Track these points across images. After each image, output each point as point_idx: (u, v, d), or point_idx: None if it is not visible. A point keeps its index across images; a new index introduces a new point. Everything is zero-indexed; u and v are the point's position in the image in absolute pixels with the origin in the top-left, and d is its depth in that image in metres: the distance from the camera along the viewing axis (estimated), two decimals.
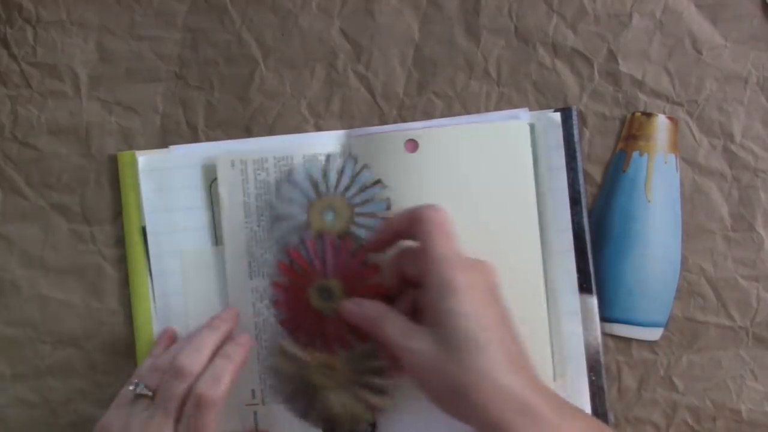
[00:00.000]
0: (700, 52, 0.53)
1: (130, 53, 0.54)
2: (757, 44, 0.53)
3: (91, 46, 0.54)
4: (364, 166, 0.51)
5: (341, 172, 0.51)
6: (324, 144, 0.52)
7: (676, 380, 0.52)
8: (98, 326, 0.53)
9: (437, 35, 0.54)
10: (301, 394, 0.51)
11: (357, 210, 0.51)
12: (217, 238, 0.53)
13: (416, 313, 0.47)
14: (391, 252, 0.50)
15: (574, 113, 0.53)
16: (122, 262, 0.53)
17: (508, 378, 0.43)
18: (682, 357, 0.53)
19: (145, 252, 0.53)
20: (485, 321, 0.44)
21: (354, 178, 0.51)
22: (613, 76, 0.53)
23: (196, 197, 0.53)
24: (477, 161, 0.49)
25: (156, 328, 0.53)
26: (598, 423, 0.46)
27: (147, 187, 0.53)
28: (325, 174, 0.52)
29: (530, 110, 0.53)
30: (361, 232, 0.51)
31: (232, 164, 0.52)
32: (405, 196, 0.51)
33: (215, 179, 0.52)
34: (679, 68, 0.53)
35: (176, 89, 0.54)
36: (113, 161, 0.54)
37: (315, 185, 0.52)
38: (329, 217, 0.51)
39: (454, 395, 0.44)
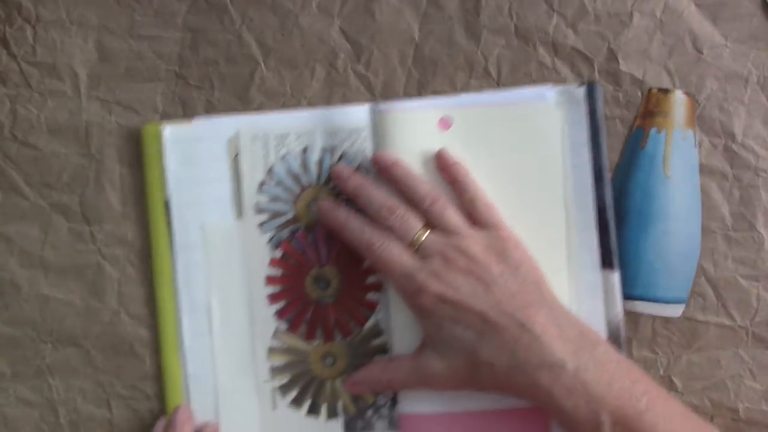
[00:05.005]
0: (700, 52, 0.53)
1: (129, 53, 0.54)
2: (757, 43, 0.53)
3: (91, 46, 0.54)
4: (342, 155, 0.52)
5: (320, 164, 0.52)
6: (348, 119, 0.52)
7: (675, 379, 0.53)
8: (98, 326, 0.53)
9: (437, 35, 0.54)
10: (304, 385, 0.52)
11: (341, 198, 0.52)
12: (240, 211, 0.53)
13: None
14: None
15: (599, 88, 0.52)
16: (122, 261, 0.53)
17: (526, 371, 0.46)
18: (682, 356, 0.53)
19: (167, 227, 0.53)
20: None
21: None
22: (614, 76, 0.53)
23: (221, 169, 0.53)
24: (508, 141, 0.49)
25: (179, 300, 0.53)
26: (614, 352, 0.47)
27: (172, 159, 0.53)
28: (305, 167, 0.52)
29: (554, 86, 0.53)
30: None
31: (254, 138, 0.52)
32: (434, 174, 0.51)
33: (239, 152, 0.53)
34: (679, 67, 0.53)
35: (176, 89, 0.54)
36: (119, 157, 0.54)
37: (297, 179, 0.52)
38: (317, 208, 0.52)
39: (475, 392, 0.49)
